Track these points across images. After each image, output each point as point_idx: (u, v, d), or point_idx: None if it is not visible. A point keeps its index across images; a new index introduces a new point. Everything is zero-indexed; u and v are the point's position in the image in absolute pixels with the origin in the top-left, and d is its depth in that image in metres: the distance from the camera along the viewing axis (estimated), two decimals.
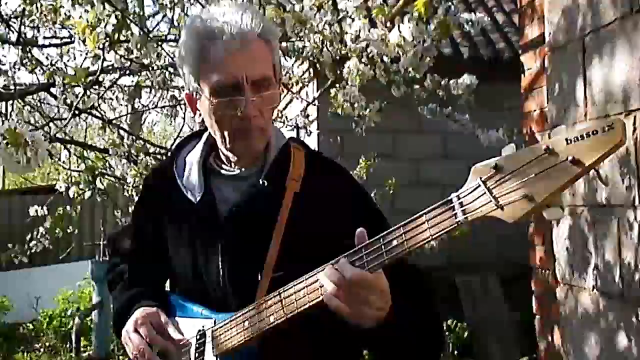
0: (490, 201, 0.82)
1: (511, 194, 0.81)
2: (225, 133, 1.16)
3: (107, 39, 1.89)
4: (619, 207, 1.98)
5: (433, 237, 0.88)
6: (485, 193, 0.83)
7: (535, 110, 2.76)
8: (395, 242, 0.92)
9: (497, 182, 0.82)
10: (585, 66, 2.14)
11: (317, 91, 3.45)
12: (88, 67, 2.45)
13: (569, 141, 0.77)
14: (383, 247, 0.93)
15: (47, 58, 3.74)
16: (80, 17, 1.85)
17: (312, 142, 4.54)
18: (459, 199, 0.86)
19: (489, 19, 6.06)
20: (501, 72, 4.77)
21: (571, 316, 2.29)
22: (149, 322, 1.20)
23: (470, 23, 2.12)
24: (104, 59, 2.05)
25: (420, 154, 5.64)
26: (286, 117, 3.21)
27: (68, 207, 3.68)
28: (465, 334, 4.34)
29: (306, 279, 1.02)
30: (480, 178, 0.84)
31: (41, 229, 3.47)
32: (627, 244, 1.96)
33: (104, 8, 1.90)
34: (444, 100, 2.72)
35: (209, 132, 1.26)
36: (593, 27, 2.09)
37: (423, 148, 5.62)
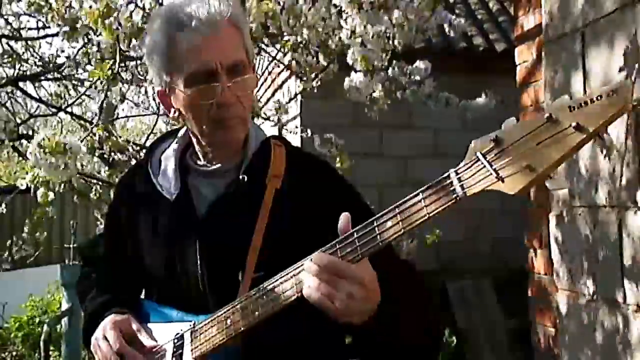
0: (491, 174, 0.81)
1: (512, 166, 0.79)
2: (204, 125, 1.13)
3: (120, 27, 1.77)
4: (620, 209, 1.91)
5: (430, 215, 0.86)
6: (484, 167, 0.81)
7: (531, 105, 2.70)
8: (389, 224, 0.88)
9: (496, 154, 0.81)
10: (585, 58, 2.07)
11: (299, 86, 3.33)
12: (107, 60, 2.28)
13: (572, 108, 0.76)
14: (377, 229, 0.90)
15: (25, 49, 3.54)
16: (90, 7, 1.72)
17: (295, 139, 4.40)
18: (457, 174, 0.84)
19: (482, 8, 5.93)
20: (495, 64, 4.67)
21: (569, 323, 2.22)
22: (119, 329, 1.18)
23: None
24: (121, 50, 1.89)
25: (409, 151, 5.39)
26: (265, 113, 3.10)
27: (48, 209, 3.48)
28: (457, 341, 4.26)
29: (291, 272, 0.98)
30: (480, 152, 0.82)
31: (24, 235, 3.28)
32: (629, 247, 1.88)
33: None
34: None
35: (185, 129, 1.24)
36: (592, 17, 2.02)
37: (412, 145, 5.42)
